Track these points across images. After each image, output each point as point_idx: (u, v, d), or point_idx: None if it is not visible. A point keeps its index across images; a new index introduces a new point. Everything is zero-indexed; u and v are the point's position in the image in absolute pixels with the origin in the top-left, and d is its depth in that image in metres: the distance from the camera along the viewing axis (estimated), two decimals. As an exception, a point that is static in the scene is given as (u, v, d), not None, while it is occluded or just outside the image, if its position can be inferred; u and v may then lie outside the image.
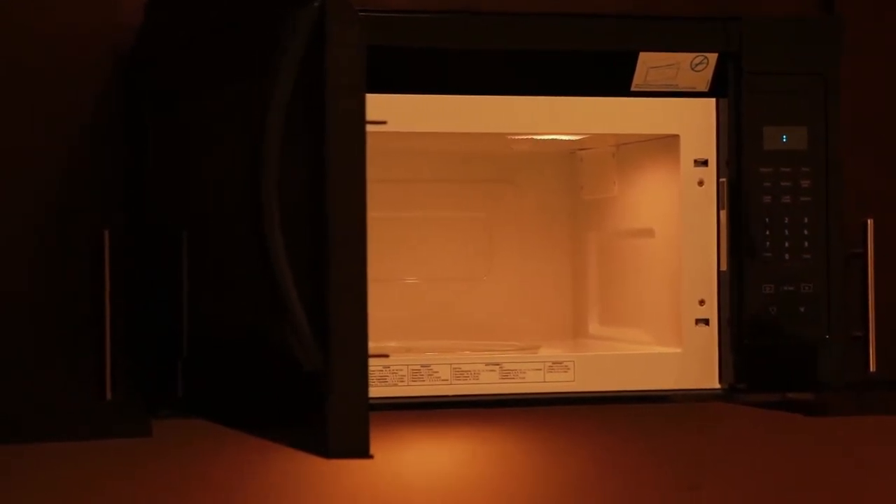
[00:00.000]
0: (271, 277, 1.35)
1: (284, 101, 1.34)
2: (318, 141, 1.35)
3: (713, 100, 1.88)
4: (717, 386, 1.89)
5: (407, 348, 1.91)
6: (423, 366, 1.83)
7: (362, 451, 1.35)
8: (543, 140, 1.99)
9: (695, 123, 1.88)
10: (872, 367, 1.91)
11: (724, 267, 1.88)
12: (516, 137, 1.96)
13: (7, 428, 1.79)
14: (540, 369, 1.85)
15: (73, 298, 1.78)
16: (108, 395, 1.77)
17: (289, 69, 1.34)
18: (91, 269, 1.78)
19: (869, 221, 1.94)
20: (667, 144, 1.91)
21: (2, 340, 1.77)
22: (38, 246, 1.78)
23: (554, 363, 1.85)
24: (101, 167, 1.79)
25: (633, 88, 1.86)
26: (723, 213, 1.88)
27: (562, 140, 2.01)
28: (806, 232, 1.87)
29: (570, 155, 2.14)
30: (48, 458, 2.05)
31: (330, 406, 1.33)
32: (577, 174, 2.13)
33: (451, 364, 1.83)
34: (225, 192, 1.56)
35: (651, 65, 1.85)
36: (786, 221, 1.87)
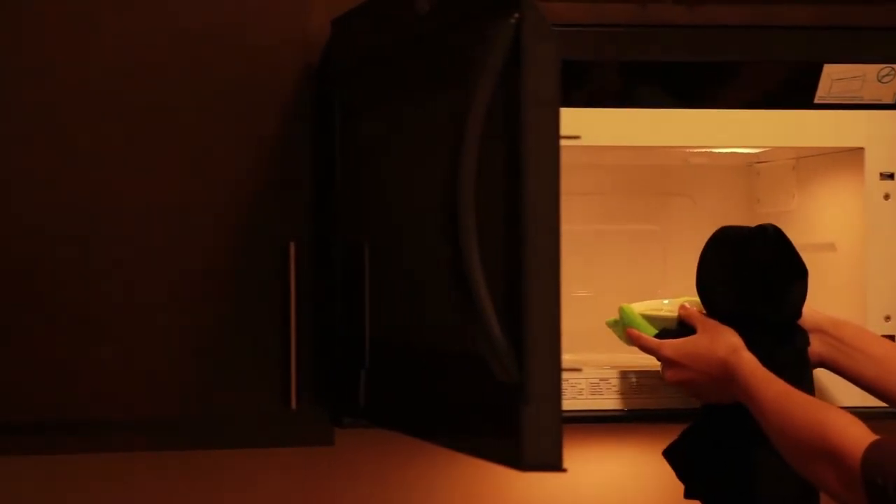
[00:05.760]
0: (466, 288, 1.36)
1: (482, 114, 1.35)
2: (514, 154, 1.35)
3: (900, 112, 1.85)
4: (902, 403, 1.85)
5: (582, 362, 1.90)
6: (601, 379, 1.82)
7: (556, 465, 1.34)
8: (721, 153, 1.97)
9: (881, 136, 1.85)
10: None
11: (910, 282, 1.85)
12: (695, 150, 1.95)
13: (193, 435, 1.83)
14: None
15: (260, 309, 1.80)
16: (294, 404, 1.79)
17: (487, 84, 1.34)
18: (277, 280, 1.80)
19: None
20: (850, 157, 1.88)
21: (190, 350, 1.80)
22: (226, 257, 1.80)
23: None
24: (290, 180, 1.81)
25: (815, 101, 1.84)
26: (909, 228, 1.85)
27: (740, 153, 1.99)
28: None
29: (746, 168, 2.12)
30: (233, 464, 2.09)
31: (525, 418, 1.33)
32: (754, 187, 2.11)
33: (630, 378, 1.82)
34: (414, 203, 1.57)
35: (835, 77, 1.83)
36: (975, 235, 1.83)
